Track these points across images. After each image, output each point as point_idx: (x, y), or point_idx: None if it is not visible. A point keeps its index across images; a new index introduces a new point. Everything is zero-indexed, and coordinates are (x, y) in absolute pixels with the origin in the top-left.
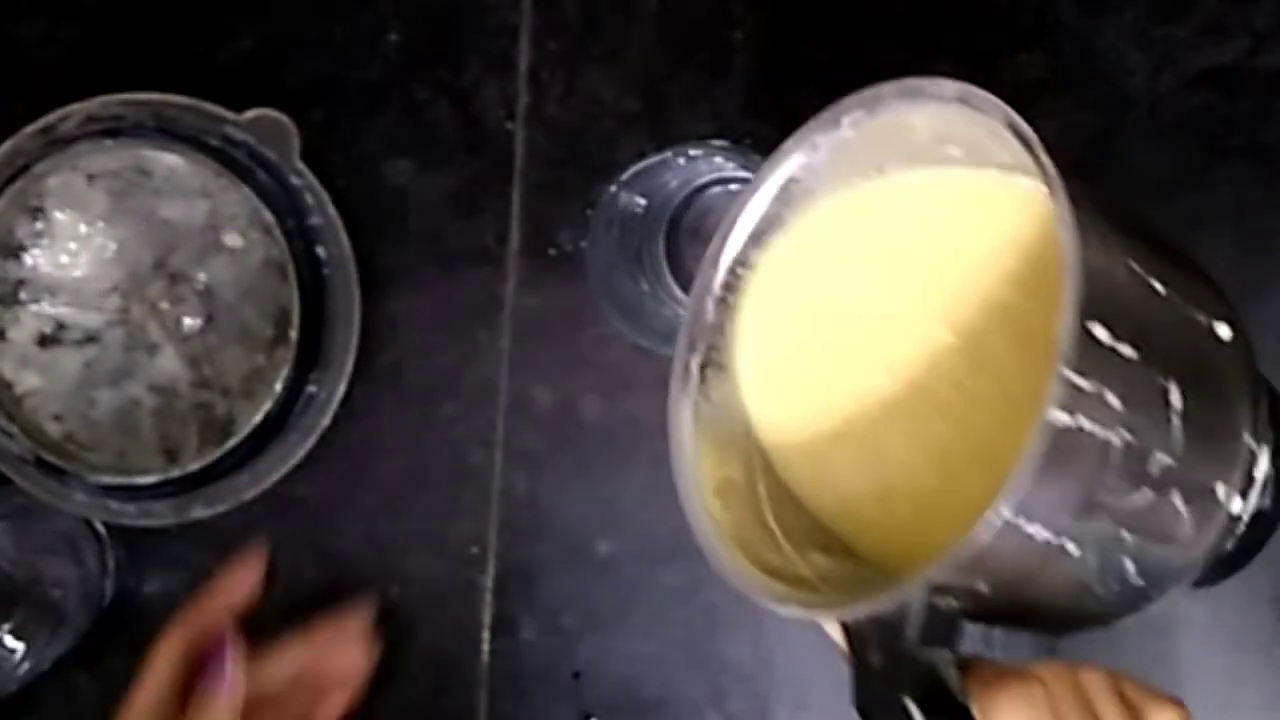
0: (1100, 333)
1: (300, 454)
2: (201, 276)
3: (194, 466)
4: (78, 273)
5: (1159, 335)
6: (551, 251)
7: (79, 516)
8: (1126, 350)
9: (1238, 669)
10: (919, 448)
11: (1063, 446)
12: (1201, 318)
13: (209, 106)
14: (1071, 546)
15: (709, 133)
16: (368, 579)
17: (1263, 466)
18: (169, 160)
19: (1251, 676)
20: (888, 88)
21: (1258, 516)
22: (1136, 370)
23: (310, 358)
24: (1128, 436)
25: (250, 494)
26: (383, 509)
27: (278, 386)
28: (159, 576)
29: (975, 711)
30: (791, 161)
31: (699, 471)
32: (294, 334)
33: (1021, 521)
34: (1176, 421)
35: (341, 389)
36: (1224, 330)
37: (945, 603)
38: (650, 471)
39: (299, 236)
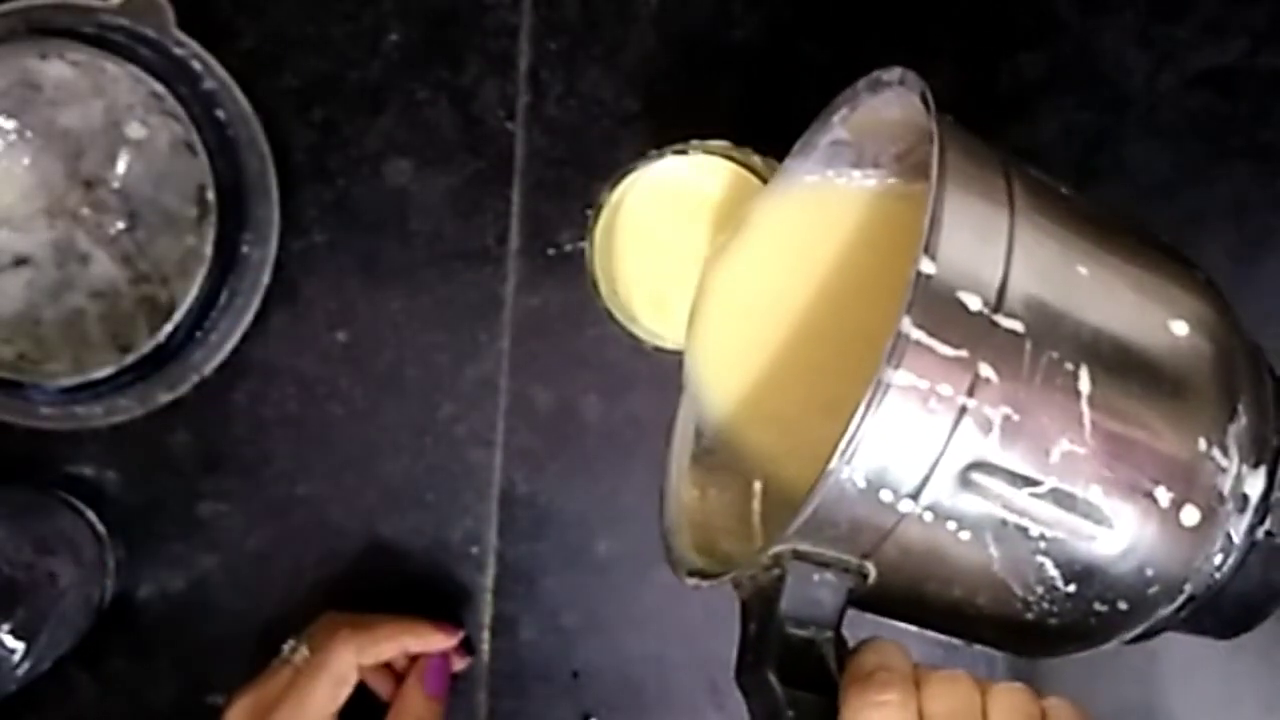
0: (970, 300)
1: (249, 317)
2: (115, 175)
3: (146, 349)
4: None
5: (1065, 316)
6: (551, 251)
7: (79, 516)
8: (1007, 322)
9: (1237, 669)
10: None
11: (914, 409)
12: (1151, 310)
13: (77, 0)
14: (953, 526)
15: (709, 133)
16: (368, 579)
17: (1253, 486)
18: (55, 70)
19: (1251, 677)
20: (860, 82)
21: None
22: (1021, 345)
23: (236, 219)
24: (1009, 413)
25: (209, 368)
26: (383, 509)
27: (207, 251)
28: (159, 576)
29: (842, 702)
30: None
31: (684, 458)
32: (211, 196)
33: (866, 484)
34: (1086, 409)
35: (274, 243)
36: (1179, 327)
37: (821, 577)
38: (650, 471)
39: (196, 103)
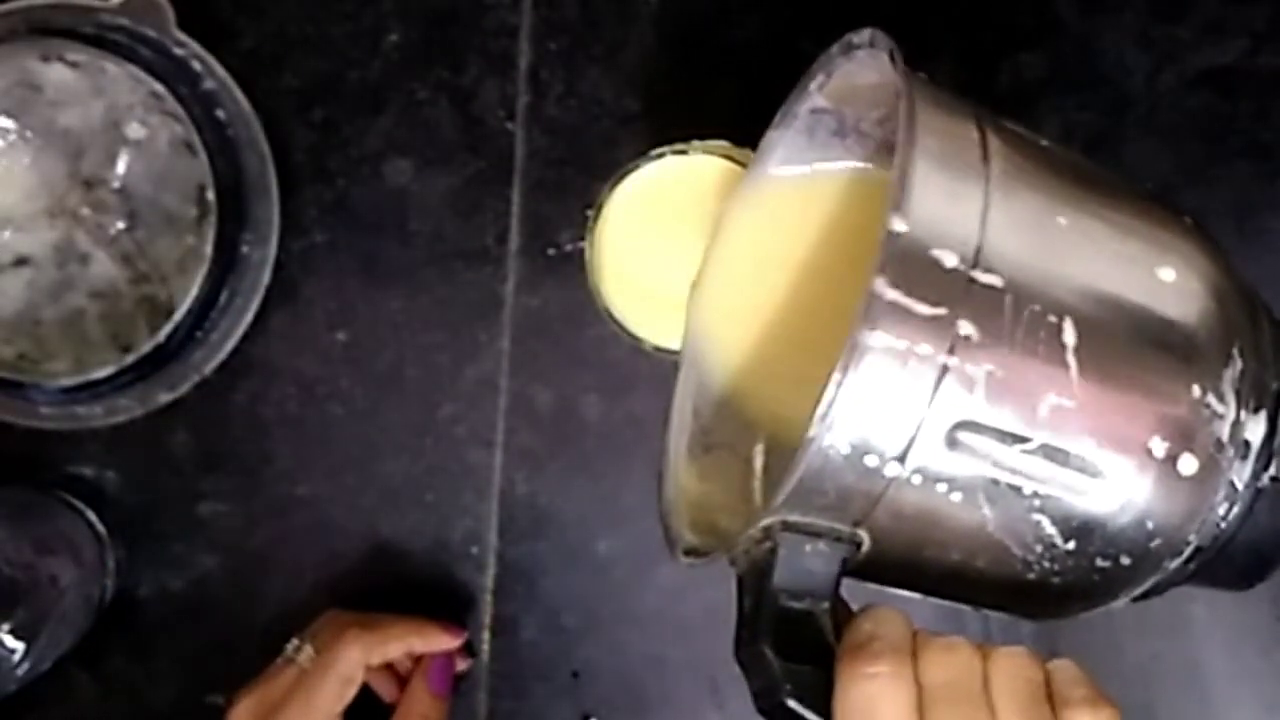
0: (945, 257)
1: (249, 317)
2: (115, 175)
3: (146, 348)
4: None
5: (1047, 268)
6: (551, 251)
7: (79, 516)
8: (986, 278)
9: (1238, 669)
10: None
11: (893, 370)
12: (1136, 258)
13: (77, 0)
14: (943, 488)
15: (709, 133)
16: (368, 579)
17: (1254, 432)
18: (55, 70)
19: (1251, 676)
20: (834, 47)
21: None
22: (1002, 300)
23: (236, 219)
24: (992, 369)
25: (209, 368)
26: (383, 509)
27: (207, 251)
28: (159, 576)
29: (836, 677)
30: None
31: (682, 439)
32: (211, 196)
33: (850, 450)
34: (1073, 361)
35: (274, 243)
36: (1166, 274)
37: (813, 547)
38: (650, 471)
39: (196, 103)
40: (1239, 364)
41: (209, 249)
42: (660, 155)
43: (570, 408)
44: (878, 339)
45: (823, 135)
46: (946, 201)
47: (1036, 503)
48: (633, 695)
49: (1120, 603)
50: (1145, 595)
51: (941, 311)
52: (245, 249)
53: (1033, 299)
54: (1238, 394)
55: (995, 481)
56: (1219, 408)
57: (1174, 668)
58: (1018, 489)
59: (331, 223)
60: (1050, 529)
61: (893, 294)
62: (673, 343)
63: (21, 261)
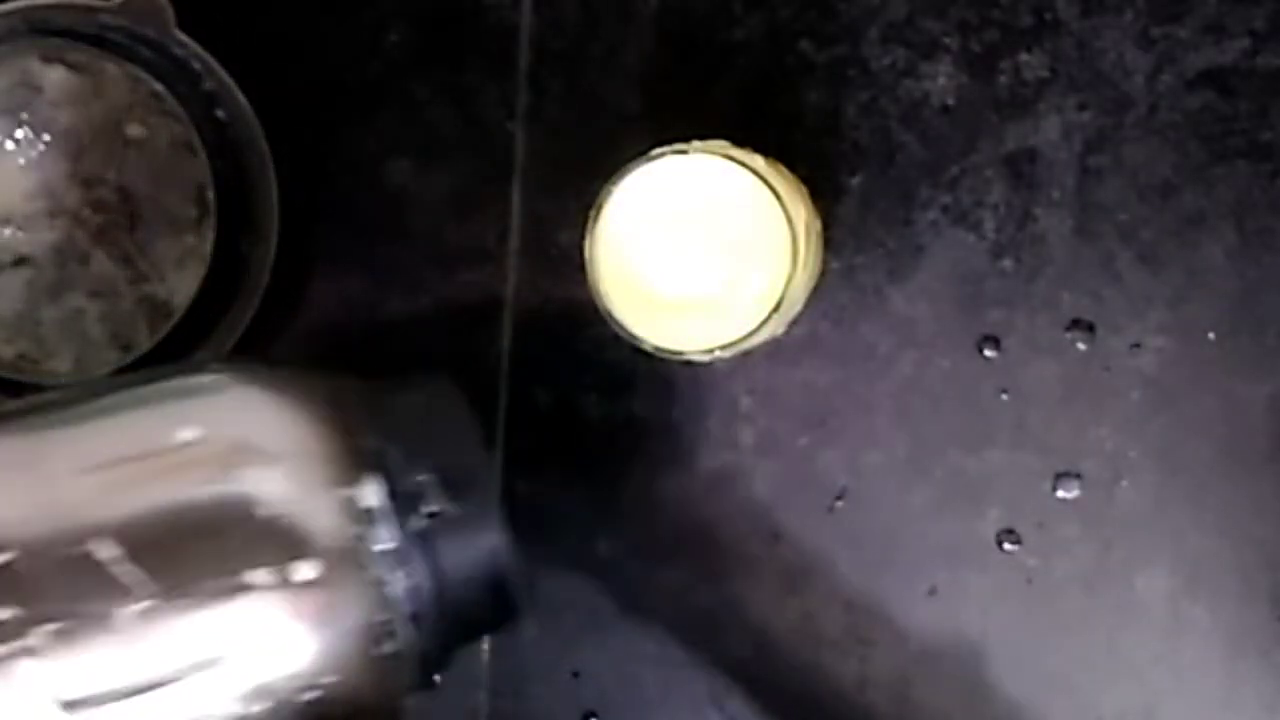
0: None
1: (249, 317)
2: (115, 176)
3: (146, 348)
4: None
5: (42, 516)
6: (551, 251)
7: None
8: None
9: (1238, 669)
10: None
11: None
12: (143, 437)
13: (77, 0)
14: None
15: (709, 133)
16: None
17: (370, 497)
18: (55, 71)
19: (1251, 677)
20: None
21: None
22: (23, 564)
23: (236, 219)
24: (53, 631)
25: None
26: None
27: (208, 251)
28: None
29: None
30: None
31: None
32: (211, 196)
33: None
34: (127, 571)
35: (274, 243)
36: (185, 434)
37: None
38: (650, 471)
39: (196, 103)
40: (301, 457)
41: (209, 249)
42: (660, 155)
43: (570, 408)
44: None
45: None
46: None
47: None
48: (633, 695)
49: (407, 697)
50: (427, 680)
51: None
52: (245, 249)
53: (52, 544)
54: (323, 483)
55: None
56: (301, 504)
57: (1174, 668)
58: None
59: (331, 223)
60: (249, 710)
61: None
62: (673, 343)
63: (21, 261)
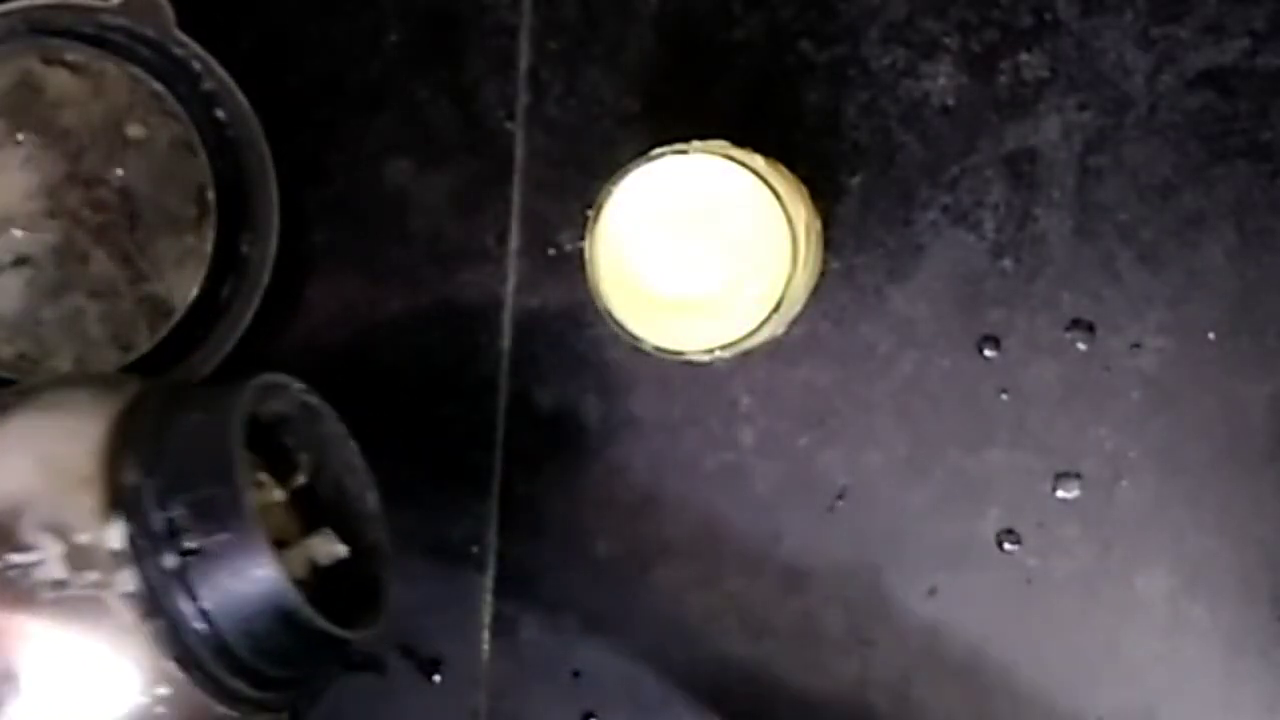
0: None
1: (249, 317)
2: (115, 175)
3: (146, 348)
4: None
5: None
6: (551, 251)
7: None
8: None
9: (1238, 669)
10: None
11: None
12: None
13: (77, 0)
14: None
15: (709, 133)
16: None
17: (113, 538)
18: (55, 71)
19: (1251, 677)
20: None
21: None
22: None
23: (236, 219)
24: None
25: (209, 368)
26: (383, 509)
27: (208, 251)
28: None
29: None
30: None
31: None
32: (211, 196)
33: None
34: None
35: (274, 243)
36: None
37: None
38: (650, 472)
39: (196, 103)
40: (56, 500)
41: (209, 249)
42: (660, 155)
43: (570, 408)
44: None
45: None
46: None
47: None
48: (633, 695)
49: None
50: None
51: None
52: (245, 249)
53: None
54: (52, 533)
55: None
56: (40, 554)
57: (1174, 668)
58: None
59: (331, 223)
60: None
61: None
62: (673, 343)
63: (21, 261)
